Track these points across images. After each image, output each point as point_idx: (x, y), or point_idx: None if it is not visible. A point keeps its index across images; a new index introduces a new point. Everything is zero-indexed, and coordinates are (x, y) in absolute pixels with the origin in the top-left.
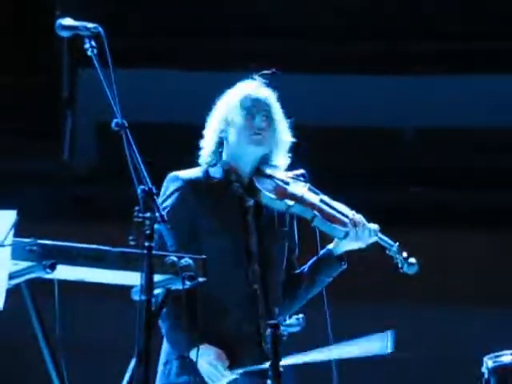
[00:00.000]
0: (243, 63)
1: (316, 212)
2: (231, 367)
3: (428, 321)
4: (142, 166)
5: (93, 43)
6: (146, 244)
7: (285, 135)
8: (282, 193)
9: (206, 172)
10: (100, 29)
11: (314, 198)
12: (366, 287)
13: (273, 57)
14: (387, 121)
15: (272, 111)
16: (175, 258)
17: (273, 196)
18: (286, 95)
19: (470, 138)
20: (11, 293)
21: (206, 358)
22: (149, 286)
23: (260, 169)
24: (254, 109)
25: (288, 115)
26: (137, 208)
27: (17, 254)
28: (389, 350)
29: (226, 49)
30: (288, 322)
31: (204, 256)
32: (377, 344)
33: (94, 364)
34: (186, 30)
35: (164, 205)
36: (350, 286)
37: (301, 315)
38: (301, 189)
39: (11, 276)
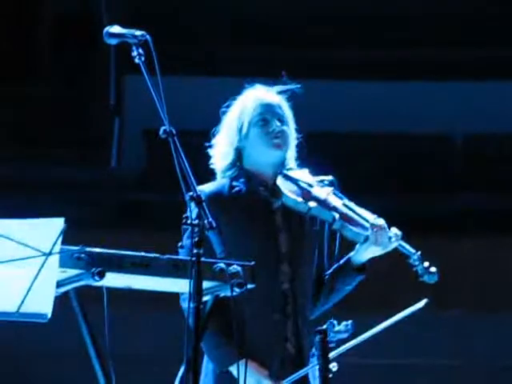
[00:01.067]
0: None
1: (336, 215)
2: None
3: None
4: (190, 173)
5: (140, 51)
6: (195, 251)
7: (295, 138)
8: (305, 195)
9: (230, 184)
10: (147, 36)
11: (336, 201)
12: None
13: (310, 65)
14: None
15: (284, 115)
16: (224, 265)
17: (295, 198)
18: (321, 102)
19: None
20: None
21: (254, 376)
22: (198, 293)
23: (285, 172)
24: (268, 114)
25: (327, 123)
26: (185, 215)
27: (65, 262)
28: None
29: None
30: (337, 328)
31: (253, 263)
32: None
33: (142, 372)
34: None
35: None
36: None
37: (349, 321)
38: (324, 192)
39: (59, 284)
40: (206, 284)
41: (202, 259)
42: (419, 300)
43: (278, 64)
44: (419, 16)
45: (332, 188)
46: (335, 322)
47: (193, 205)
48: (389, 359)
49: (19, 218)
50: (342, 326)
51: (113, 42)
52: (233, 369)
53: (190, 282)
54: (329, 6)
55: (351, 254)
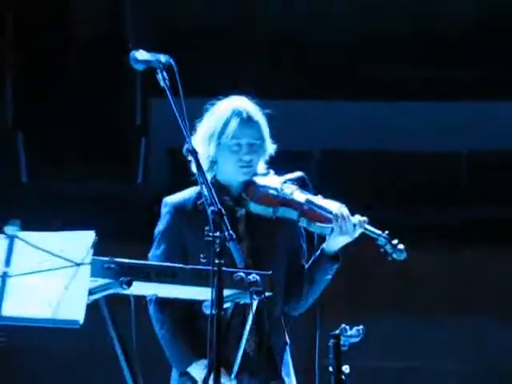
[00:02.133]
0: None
1: (301, 213)
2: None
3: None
4: (212, 188)
5: (165, 74)
6: (216, 261)
7: (269, 148)
8: (270, 199)
9: (199, 192)
10: (171, 60)
11: (300, 198)
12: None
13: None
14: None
15: (260, 130)
16: (243, 274)
17: (259, 203)
18: (341, 123)
19: None
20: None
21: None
22: (219, 300)
23: (250, 180)
24: (243, 139)
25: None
26: (207, 228)
27: (95, 272)
28: None
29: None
30: (349, 333)
31: (270, 272)
32: None
33: (167, 376)
34: None
35: (158, 229)
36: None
37: (361, 326)
38: (289, 191)
39: (90, 292)
40: (226, 292)
41: (223, 269)
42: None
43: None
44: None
45: (296, 186)
46: (347, 327)
47: (214, 217)
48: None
49: (54, 231)
50: (354, 331)
51: (139, 67)
52: (191, 370)
53: (212, 290)
54: None
55: (323, 245)
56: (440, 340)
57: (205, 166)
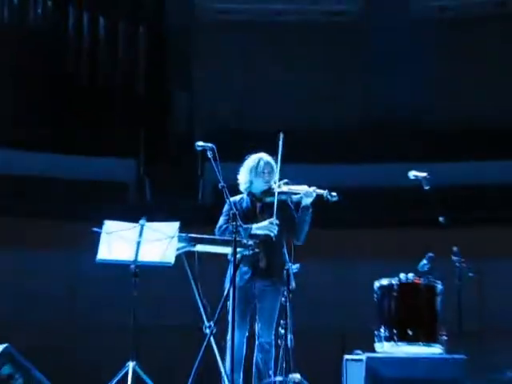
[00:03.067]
0: None
1: (288, 195)
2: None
3: None
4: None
5: (210, 152)
6: (234, 236)
7: (276, 174)
8: (272, 194)
9: (244, 196)
10: (214, 147)
11: (286, 188)
12: None
13: None
14: None
15: (272, 166)
16: (245, 241)
17: (269, 197)
18: None
19: None
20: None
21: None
22: (235, 253)
23: (268, 187)
24: (264, 169)
25: None
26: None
27: (180, 240)
28: None
29: None
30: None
31: (257, 240)
32: None
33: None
34: None
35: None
36: None
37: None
38: (284, 187)
39: (178, 249)
40: (239, 250)
41: (237, 239)
42: None
43: None
44: None
45: (286, 181)
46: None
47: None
48: None
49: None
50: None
51: (199, 149)
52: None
53: (232, 249)
54: None
55: (301, 204)
56: None
57: (244, 184)
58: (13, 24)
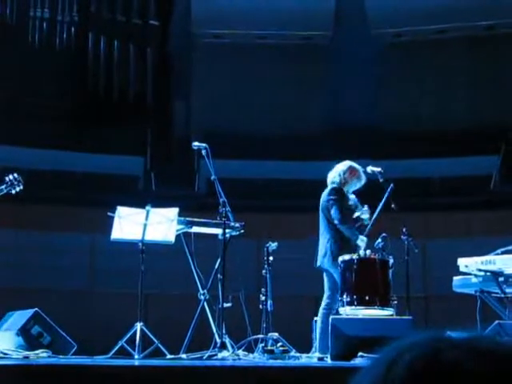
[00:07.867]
0: None
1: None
2: None
3: None
4: (227, 204)
5: (204, 151)
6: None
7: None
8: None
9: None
10: (207, 147)
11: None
12: None
13: None
14: None
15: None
16: (233, 223)
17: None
18: None
19: None
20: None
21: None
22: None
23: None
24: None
25: None
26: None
27: (179, 222)
28: None
29: None
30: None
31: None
32: None
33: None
34: None
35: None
36: None
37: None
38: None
39: (177, 230)
40: (227, 231)
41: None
42: None
43: None
44: None
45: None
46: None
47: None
48: None
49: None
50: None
51: (195, 148)
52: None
53: (223, 231)
54: None
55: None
56: None
57: (346, 186)
58: (43, 47)
